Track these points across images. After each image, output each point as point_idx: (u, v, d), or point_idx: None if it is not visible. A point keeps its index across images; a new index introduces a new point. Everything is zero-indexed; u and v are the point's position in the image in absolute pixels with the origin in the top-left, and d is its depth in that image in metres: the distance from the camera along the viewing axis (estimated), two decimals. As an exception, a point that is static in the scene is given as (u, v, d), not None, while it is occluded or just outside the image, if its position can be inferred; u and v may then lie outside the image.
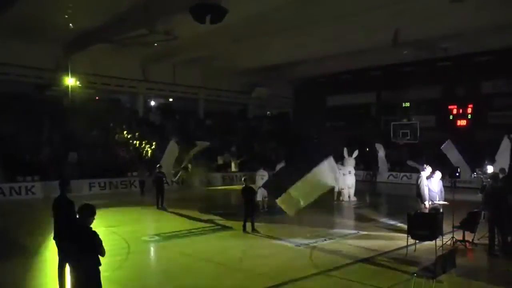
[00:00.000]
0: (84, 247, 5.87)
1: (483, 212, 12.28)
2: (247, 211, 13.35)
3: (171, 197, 21.14)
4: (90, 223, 5.97)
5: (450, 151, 19.77)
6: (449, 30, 24.73)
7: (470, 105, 33.89)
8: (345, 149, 20.96)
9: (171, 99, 38.76)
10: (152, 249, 11.89)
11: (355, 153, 21.04)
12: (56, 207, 8.13)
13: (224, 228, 14.23)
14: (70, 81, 29.13)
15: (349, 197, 20.78)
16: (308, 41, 27.12)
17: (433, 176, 12.31)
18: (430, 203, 11.96)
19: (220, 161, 32.09)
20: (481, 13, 22.11)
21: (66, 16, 23.09)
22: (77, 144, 26.54)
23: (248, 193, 13.53)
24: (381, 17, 22.98)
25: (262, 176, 17.54)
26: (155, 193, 18.99)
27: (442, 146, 20.21)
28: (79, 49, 28.05)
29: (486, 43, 27.64)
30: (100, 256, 5.95)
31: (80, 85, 29.92)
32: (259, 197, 17.24)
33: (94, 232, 5.91)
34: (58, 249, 8.11)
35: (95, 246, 5.88)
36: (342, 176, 20.06)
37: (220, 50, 29.90)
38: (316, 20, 23.48)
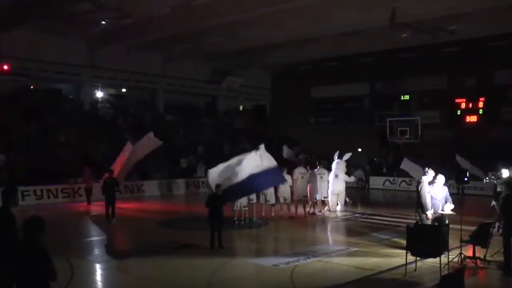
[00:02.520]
0: (33, 270, 5.73)
1: (497, 224, 12.46)
2: (214, 224, 13.30)
3: (125, 208, 20.93)
4: (40, 240, 5.85)
5: (463, 162, 19.75)
6: (456, 9, 25.09)
7: (482, 99, 34.40)
8: (337, 152, 21.13)
9: (124, 90, 38.39)
10: (101, 271, 11.72)
11: (347, 156, 21.18)
12: None
13: (189, 244, 14.13)
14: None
15: (337, 206, 20.92)
16: (288, 20, 27.19)
17: (436, 181, 12.44)
18: (432, 212, 12.10)
19: (183, 164, 31.92)
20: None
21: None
22: (6, 144, 26.04)
23: (215, 201, 13.47)
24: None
25: None
26: (104, 203, 18.77)
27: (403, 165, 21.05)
28: (9, 27, 27.52)
29: (500, 25, 28.05)
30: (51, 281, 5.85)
31: (10, 71, 29.37)
32: (236, 207, 17.33)
33: (45, 251, 5.78)
34: None
35: (45, 269, 5.75)
36: (324, 182, 20.25)
37: (183, 31, 29.75)
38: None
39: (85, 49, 33.33)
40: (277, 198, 19.16)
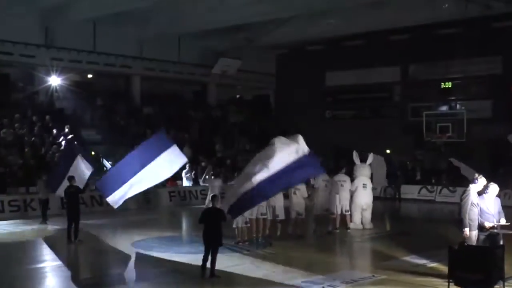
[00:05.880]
0: None
1: None
2: (209, 246, 13.17)
3: (92, 224, 20.90)
4: None
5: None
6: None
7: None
8: (354, 152, 21.08)
9: (90, 75, 38.39)
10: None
11: (371, 158, 21.14)
12: None
13: (174, 271, 14.12)
14: None
15: (362, 223, 20.88)
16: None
17: (487, 191, 12.33)
18: (476, 233, 11.98)
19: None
20: None
21: None
22: None
23: (213, 218, 13.33)
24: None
25: None
26: (66, 219, 18.71)
27: None
28: None
29: None
30: None
31: None
32: (240, 223, 17.25)
33: None
34: None
35: None
36: (345, 192, 20.24)
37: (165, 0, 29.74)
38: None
39: (39, 24, 33.28)
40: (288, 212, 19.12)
